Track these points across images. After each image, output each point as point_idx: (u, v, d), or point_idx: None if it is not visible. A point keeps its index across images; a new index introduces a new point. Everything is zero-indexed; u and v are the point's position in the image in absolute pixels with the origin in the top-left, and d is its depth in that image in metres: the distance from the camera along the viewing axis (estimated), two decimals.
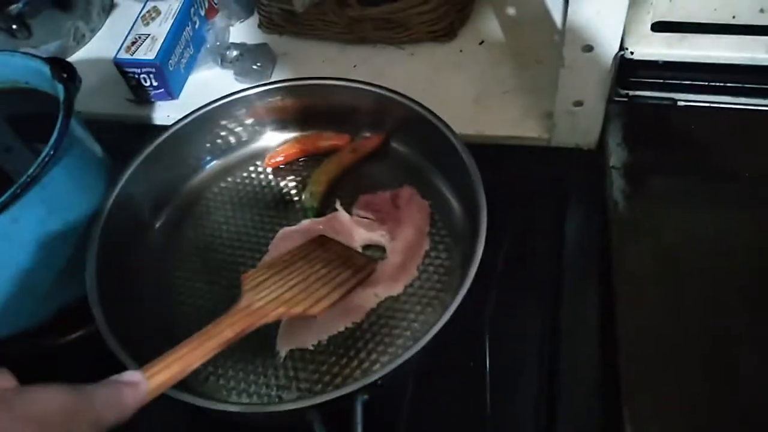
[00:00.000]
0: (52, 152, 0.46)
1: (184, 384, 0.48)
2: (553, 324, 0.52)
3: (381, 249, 0.57)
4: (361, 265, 0.53)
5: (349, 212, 0.58)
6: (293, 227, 0.58)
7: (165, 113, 0.71)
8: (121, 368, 0.43)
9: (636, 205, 0.54)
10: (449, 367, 0.51)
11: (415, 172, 0.59)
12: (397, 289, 0.53)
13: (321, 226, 0.57)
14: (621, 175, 0.56)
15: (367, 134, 0.62)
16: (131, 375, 0.37)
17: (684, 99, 0.58)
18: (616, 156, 0.57)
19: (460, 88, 0.67)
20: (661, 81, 0.57)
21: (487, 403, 0.49)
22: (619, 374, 0.46)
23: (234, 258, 0.58)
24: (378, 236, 0.56)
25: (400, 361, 0.42)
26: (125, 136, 0.69)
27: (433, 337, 0.43)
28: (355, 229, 0.57)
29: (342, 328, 0.52)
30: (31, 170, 0.45)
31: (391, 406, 0.50)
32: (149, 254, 0.58)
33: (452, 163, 0.54)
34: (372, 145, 0.61)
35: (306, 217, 0.59)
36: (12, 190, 0.44)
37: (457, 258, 0.54)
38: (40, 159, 0.46)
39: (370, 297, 0.53)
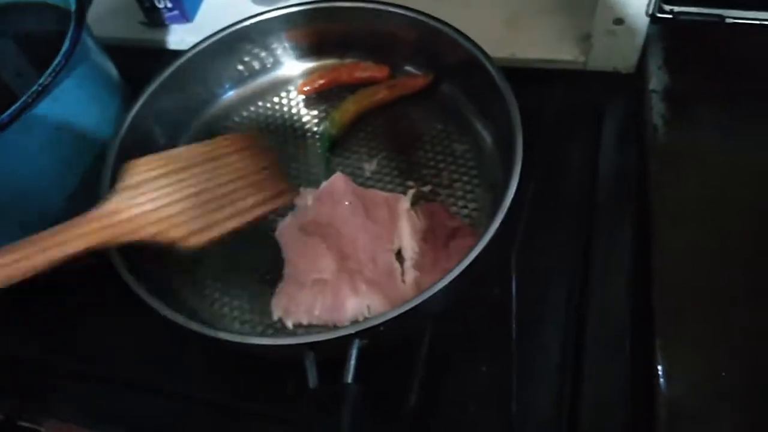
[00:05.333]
0: (63, 61, 0.44)
1: (186, 307, 0.48)
2: (584, 254, 0.50)
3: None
4: (279, 191, 0.45)
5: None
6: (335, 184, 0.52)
7: (179, 37, 0.68)
8: (134, 296, 0.42)
9: (677, 132, 0.51)
10: (473, 296, 0.48)
11: (455, 115, 0.56)
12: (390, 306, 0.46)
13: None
14: (661, 99, 0.53)
15: (410, 68, 0.59)
16: None
17: (733, 16, 0.53)
18: (656, 79, 0.54)
19: (489, 8, 0.63)
20: None
21: (513, 331, 0.47)
22: (652, 306, 0.44)
23: None
24: (411, 252, 0.49)
25: (405, 308, 0.39)
26: (138, 60, 0.66)
27: (445, 286, 0.40)
28: (402, 223, 0.50)
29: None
30: (42, 79, 0.43)
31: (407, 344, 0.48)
32: None
33: (495, 107, 0.49)
34: (412, 86, 0.57)
35: (322, 145, 0.56)
36: (23, 99, 0.43)
37: (486, 207, 0.51)
38: (51, 68, 0.44)
39: (362, 308, 0.46)
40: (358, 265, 0.48)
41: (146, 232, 0.38)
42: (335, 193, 0.52)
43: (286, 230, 0.51)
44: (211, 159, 0.44)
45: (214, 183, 0.42)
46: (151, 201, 0.39)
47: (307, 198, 0.52)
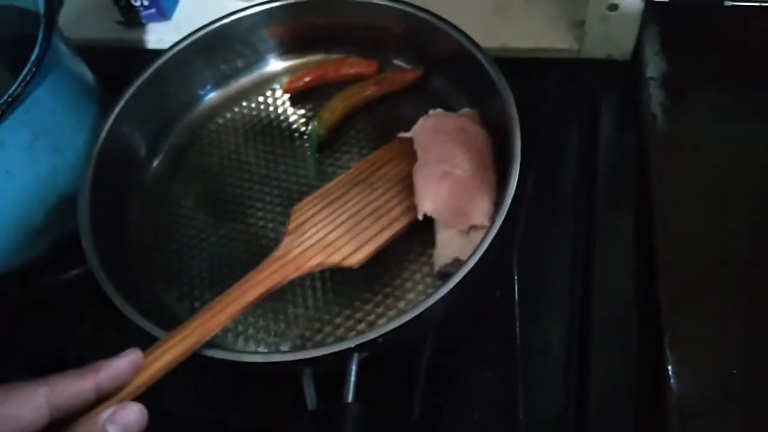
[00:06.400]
0: (34, 69, 0.42)
1: (176, 321, 0.44)
2: (586, 249, 0.49)
3: None
4: None
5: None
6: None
7: (158, 36, 0.66)
8: (118, 312, 0.41)
9: (676, 119, 0.50)
10: (473, 298, 0.46)
11: (447, 109, 0.52)
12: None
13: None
14: (659, 86, 0.51)
15: (399, 62, 0.57)
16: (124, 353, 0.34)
17: None
18: (653, 66, 0.52)
19: None
20: None
21: (517, 333, 0.46)
22: (658, 301, 0.43)
23: (242, 191, 0.53)
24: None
25: (405, 319, 0.38)
26: (116, 62, 0.64)
27: (447, 293, 0.39)
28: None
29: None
30: (12, 89, 0.41)
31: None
32: (148, 188, 0.54)
33: (489, 100, 0.48)
34: (401, 81, 0.55)
35: (311, 146, 0.54)
36: None
37: None
38: (21, 76, 0.42)
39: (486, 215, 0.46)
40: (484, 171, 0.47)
41: (311, 265, 0.43)
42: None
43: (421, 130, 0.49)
44: (361, 181, 0.48)
45: (370, 198, 0.47)
46: (313, 236, 0.44)
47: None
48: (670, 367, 0.40)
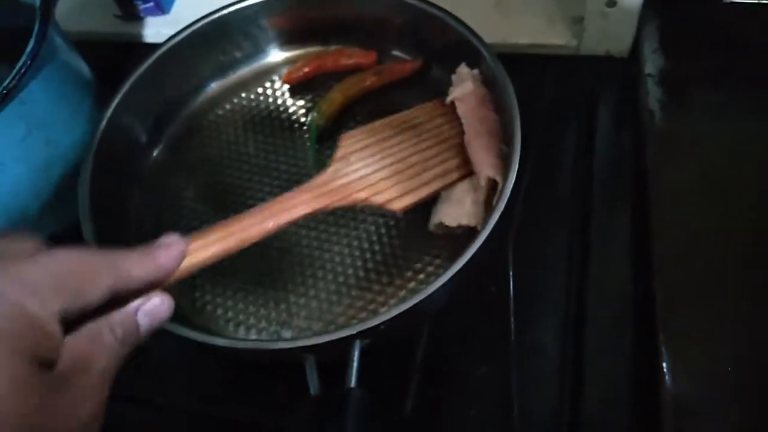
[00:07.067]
0: (28, 62, 0.42)
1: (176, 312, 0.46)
2: (582, 246, 0.49)
3: None
4: None
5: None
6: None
7: (156, 29, 0.66)
8: None
9: (674, 117, 0.50)
10: (469, 293, 0.47)
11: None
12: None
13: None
14: (657, 83, 0.51)
15: (398, 53, 0.57)
16: (167, 238, 0.33)
17: None
18: (651, 63, 0.52)
19: None
20: None
21: (512, 329, 0.46)
22: (654, 299, 0.43)
23: (242, 182, 0.53)
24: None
25: (407, 305, 0.38)
26: (114, 56, 0.65)
27: (448, 280, 0.38)
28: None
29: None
30: (7, 82, 0.41)
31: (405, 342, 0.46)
32: (148, 178, 0.54)
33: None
34: (400, 72, 0.55)
35: (310, 137, 0.54)
36: None
37: None
38: (15, 70, 0.41)
39: None
40: None
41: (355, 198, 0.42)
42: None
43: (466, 98, 0.48)
44: (414, 126, 0.47)
45: (418, 148, 0.46)
46: (360, 170, 0.44)
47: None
48: (665, 365, 0.40)
